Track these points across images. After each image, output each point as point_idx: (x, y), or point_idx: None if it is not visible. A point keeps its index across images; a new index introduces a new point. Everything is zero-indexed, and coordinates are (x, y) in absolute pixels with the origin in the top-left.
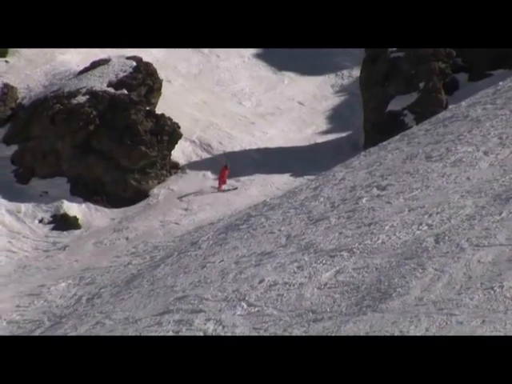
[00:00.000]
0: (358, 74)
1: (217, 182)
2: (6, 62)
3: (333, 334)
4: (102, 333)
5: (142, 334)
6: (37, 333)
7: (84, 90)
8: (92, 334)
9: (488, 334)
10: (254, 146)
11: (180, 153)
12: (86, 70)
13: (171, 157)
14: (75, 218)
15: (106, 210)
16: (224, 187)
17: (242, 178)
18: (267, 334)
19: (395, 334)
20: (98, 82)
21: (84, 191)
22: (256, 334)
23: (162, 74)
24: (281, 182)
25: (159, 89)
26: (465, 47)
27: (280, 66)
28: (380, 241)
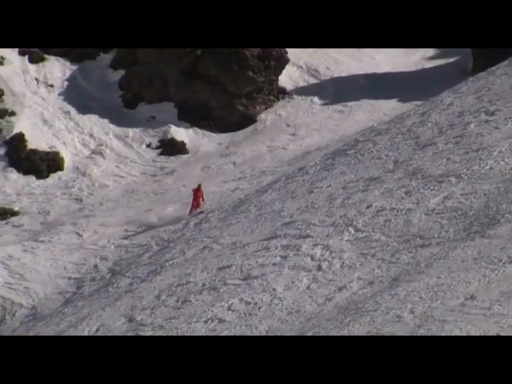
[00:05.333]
0: None
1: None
2: None
3: (441, 260)
4: (210, 257)
5: (249, 259)
6: (145, 257)
7: None
8: (199, 259)
9: None
10: (361, 71)
11: (287, 78)
12: None
13: (278, 82)
14: (183, 143)
15: (213, 134)
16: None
17: (350, 103)
18: (375, 260)
19: (503, 260)
20: None
21: (191, 116)
22: (363, 260)
23: None
24: (388, 108)
25: None
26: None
27: None
28: (488, 166)
